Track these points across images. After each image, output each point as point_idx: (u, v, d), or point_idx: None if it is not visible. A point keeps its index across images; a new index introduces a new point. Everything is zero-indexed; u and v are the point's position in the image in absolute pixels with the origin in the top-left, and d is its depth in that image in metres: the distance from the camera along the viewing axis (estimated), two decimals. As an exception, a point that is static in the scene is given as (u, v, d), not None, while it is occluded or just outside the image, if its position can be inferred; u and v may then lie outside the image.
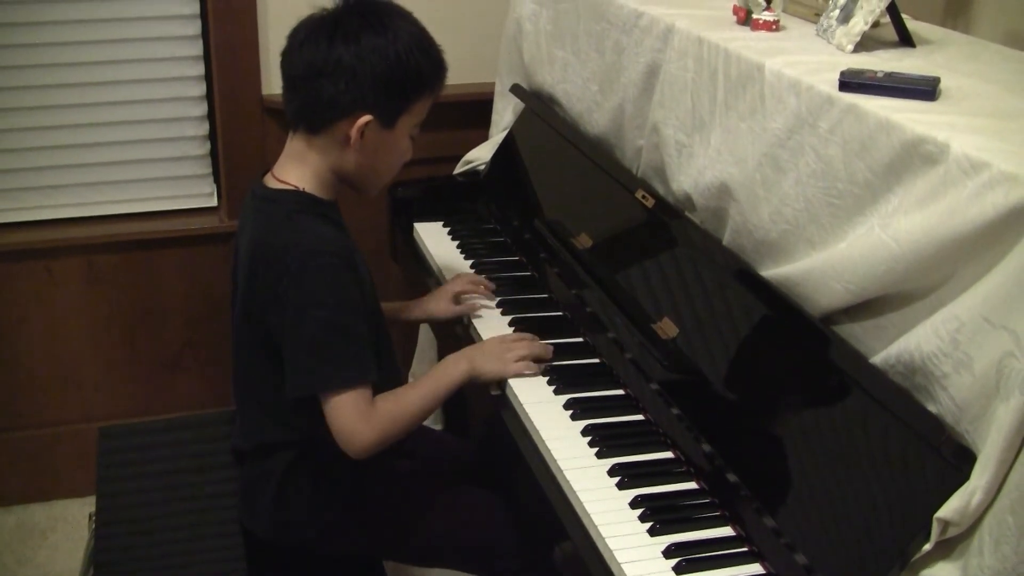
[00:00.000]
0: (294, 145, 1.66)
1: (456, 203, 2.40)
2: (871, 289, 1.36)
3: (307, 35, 1.60)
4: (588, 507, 1.45)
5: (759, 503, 1.40)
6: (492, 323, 1.91)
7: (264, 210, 1.64)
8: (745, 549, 1.39)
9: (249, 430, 1.76)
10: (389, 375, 1.72)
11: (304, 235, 1.59)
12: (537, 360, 1.74)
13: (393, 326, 1.85)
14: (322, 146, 1.63)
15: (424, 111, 1.67)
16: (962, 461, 1.18)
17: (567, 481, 1.50)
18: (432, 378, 1.70)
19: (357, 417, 1.58)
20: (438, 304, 1.97)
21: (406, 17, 1.64)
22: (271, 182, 1.66)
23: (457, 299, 1.97)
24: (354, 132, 1.59)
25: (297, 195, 1.63)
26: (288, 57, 1.62)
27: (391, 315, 1.90)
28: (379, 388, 1.63)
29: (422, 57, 1.62)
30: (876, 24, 1.67)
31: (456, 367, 1.70)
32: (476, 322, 1.92)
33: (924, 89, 1.43)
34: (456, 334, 1.96)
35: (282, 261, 1.57)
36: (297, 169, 1.65)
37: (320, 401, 1.58)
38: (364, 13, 1.60)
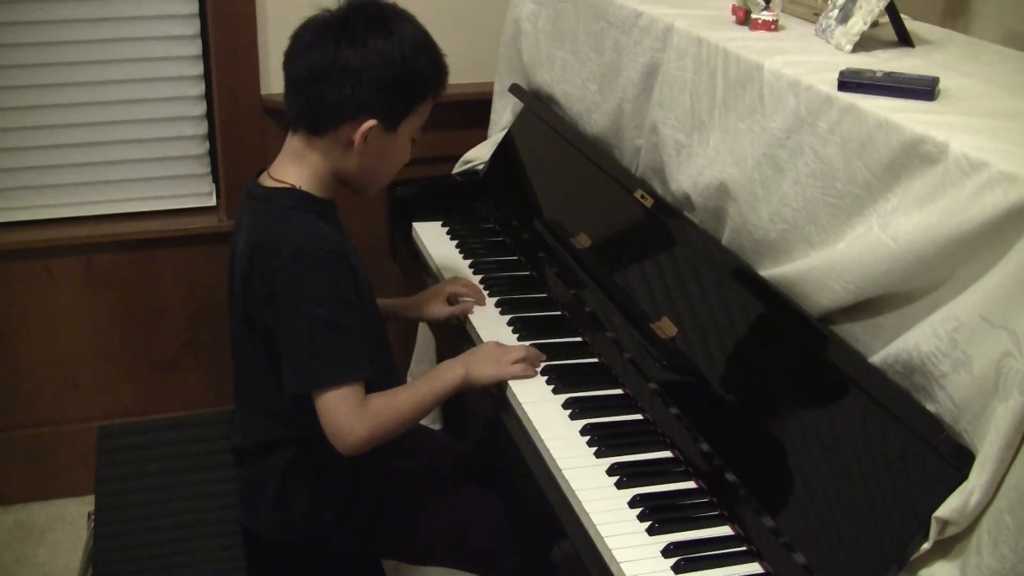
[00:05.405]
0: (293, 145, 1.66)
1: (455, 203, 2.40)
2: (870, 289, 1.36)
3: (313, 37, 1.60)
4: (587, 506, 1.45)
5: (758, 502, 1.41)
6: (490, 323, 1.92)
7: (260, 208, 1.64)
8: (744, 548, 1.39)
9: (249, 428, 1.76)
10: (386, 373, 1.72)
11: (298, 231, 1.59)
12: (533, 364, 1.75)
13: (388, 324, 1.85)
14: (324, 148, 1.63)
15: (426, 114, 1.68)
16: (961, 460, 1.18)
17: (566, 480, 1.51)
18: (427, 381, 1.70)
19: (348, 414, 1.57)
20: (431, 306, 1.98)
21: (410, 20, 1.65)
22: (267, 181, 1.66)
23: (450, 300, 1.97)
24: (358, 136, 1.60)
25: (293, 193, 1.63)
26: (292, 59, 1.62)
27: (384, 313, 1.90)
28: (376, 386, 1.63)
29: (426, 61, 1.63)
30: (875, 24, 1.67)
31: (452, 372, 1.70)
32: (475, 321, 1.93)
33: (923, 89, 1.43)
34: (454, 335, 1.96)
35: (277, 257, 1.57)
36: (295, 168, 1.65)
37: (313, 397, 1.59)
38: (370, 16, 1.60)
